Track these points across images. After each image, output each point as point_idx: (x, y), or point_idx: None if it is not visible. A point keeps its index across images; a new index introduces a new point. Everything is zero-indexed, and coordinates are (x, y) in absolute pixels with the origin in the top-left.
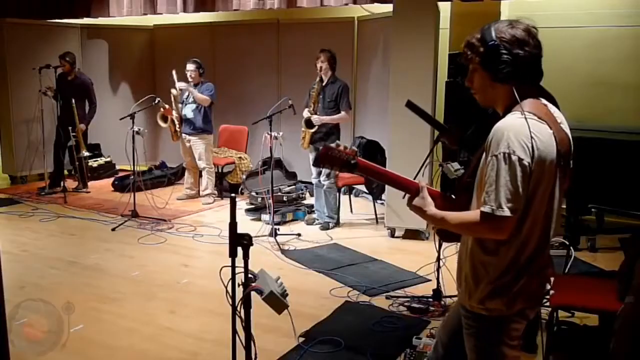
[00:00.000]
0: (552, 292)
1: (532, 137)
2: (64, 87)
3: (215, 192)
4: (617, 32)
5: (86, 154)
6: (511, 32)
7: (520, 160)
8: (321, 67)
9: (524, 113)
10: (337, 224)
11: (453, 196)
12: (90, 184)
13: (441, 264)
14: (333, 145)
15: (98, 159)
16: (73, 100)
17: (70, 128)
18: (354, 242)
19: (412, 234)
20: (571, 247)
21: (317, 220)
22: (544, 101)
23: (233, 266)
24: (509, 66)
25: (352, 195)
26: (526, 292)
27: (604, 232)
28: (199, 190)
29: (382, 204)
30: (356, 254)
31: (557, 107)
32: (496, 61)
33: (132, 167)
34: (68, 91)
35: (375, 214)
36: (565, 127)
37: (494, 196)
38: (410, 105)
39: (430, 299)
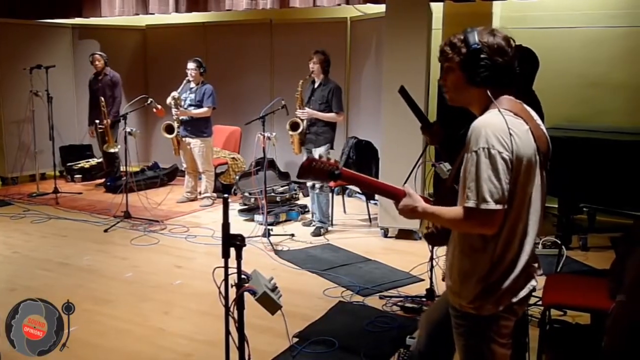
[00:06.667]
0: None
1: (510, 133)
2: (94, 86)
3: (215, 195)
4: (610, 32)
5: (115, 149)
6: (493, 39)
7: (500, 153)
8: (313, 70)
9: (501, 110)
10: (329, 228)
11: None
12: (82, 185)
13: (434, 263)
14: (316, 156)
15: (90, 160)
16: (102, 98)
17: (97, 122)
18: (348, 242)
19: (405, 234)
20: (563, 246)
21: (314, 222)
22: (518, 100)
23: (226, 267)
24: (487, 71)
25: (345, 196)
26: (514, 289)
27: (595, 231)
28: (198, 194)
29: (375, 204)
30: (349, 254)
31: (540, 114)
32: (475, 64)
33: (124, 168)
34: (100, 90)
35: (369, 214)
36: (542, 125)
37: (476, 191)
38: (403, 91)
39: (424, 299)
